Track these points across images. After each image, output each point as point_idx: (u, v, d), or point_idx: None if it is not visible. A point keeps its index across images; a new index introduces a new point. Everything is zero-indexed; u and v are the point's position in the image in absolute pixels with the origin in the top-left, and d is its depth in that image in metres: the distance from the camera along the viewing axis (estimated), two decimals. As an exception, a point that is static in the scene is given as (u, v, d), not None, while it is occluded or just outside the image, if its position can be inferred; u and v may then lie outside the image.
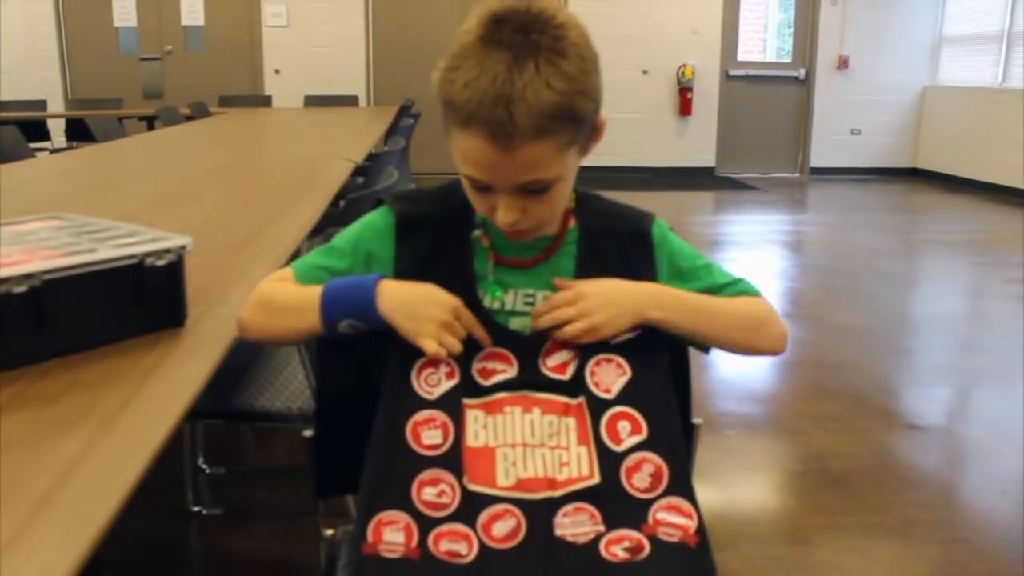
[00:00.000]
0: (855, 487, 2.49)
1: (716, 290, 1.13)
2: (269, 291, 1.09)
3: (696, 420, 1.17)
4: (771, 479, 2.63)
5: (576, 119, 0.94)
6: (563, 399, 1.03)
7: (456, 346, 1.01)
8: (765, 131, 9.58)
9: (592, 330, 1.03)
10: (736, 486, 2.53)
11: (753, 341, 1.13)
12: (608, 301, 1.04)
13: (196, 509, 2.31)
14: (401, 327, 1.01)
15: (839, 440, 2.80)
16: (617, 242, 1.10)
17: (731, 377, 3.30)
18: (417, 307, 1.01)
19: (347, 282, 1.05)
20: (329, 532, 1.26)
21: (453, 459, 0.99)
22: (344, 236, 1.11)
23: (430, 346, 0.99)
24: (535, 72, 0.89)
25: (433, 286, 1.03)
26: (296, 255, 1.81)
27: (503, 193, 0.97)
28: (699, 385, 1.13)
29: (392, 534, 0.97)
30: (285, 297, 1.08)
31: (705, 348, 1.14)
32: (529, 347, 1.05)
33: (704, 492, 1.03)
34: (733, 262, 5.50)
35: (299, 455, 1.20)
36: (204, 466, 2.48)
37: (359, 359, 1.09)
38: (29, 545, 0.68)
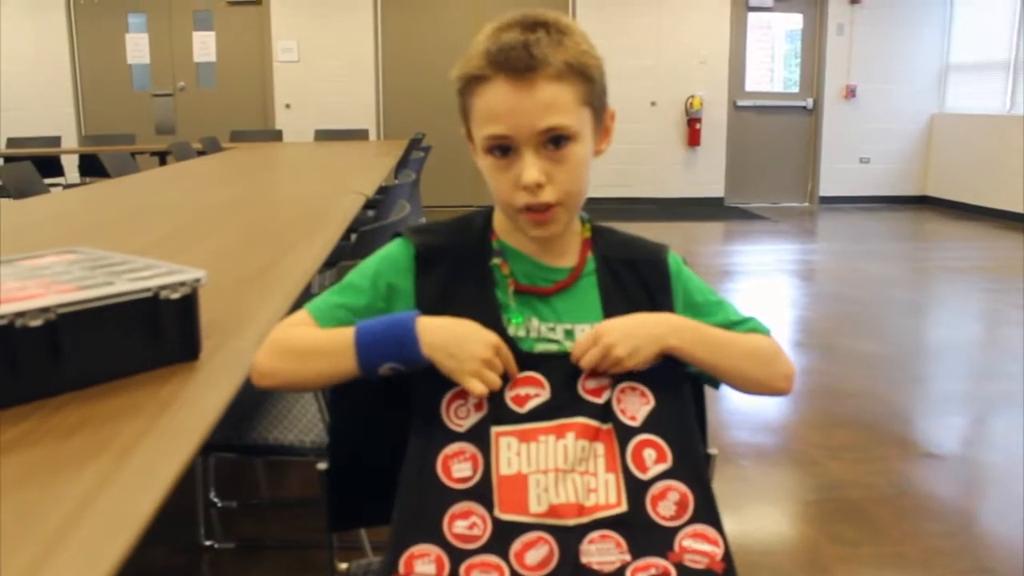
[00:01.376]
0: (873, 517, 2.46)
1: (728, 326, 1.14)
2: (289, 336, 1.07)
3: (712, 450, 1.17)
4: (787, 509, 2.60)
5: (588, 77, 1.01)
6: (595, 423, 1.03)
7: (498, 383, 1.02)
8: (774, 161, 9.60)
9: (616, 363, 1.03)
10: (753, 516, 2.51)
11: (763, 377, 1.13)
12: (627, 334, 1.04)
13: (208, 543, 2.30)
14: (443, 365, 1.01)
15: (855, 469, 2.78)
16: (635, 270, 1.12)
17: (744, 407, 3.28)
18: (459, 346, 1.01)
19: (381, 323, 1.03)
20: (343, 566, 1.26)
21: (484, 491, 0.99)
22: (361, 272, 1.10)
23: (476, 387, 1.00)
24: (546, 35, 0.99)
25: (473, 323, 1.03)
26: (308, 288, 1.82)
27: (526, 151, 1.00)
28: (713, 416, 1.14)
29: (424, 566, 0.97)
30: (311, 342, 1.05)
31: (715, 383, 1.14)
32: (559, 367, 1.05)
33: (721, 523, 1.02)
34: (744, 292, 5.49)
35: (312, 488, 1.19)
36: (216, 500, 2.47)
37: (373, 391, 1.09)
38: (45, 580, 0.68)
